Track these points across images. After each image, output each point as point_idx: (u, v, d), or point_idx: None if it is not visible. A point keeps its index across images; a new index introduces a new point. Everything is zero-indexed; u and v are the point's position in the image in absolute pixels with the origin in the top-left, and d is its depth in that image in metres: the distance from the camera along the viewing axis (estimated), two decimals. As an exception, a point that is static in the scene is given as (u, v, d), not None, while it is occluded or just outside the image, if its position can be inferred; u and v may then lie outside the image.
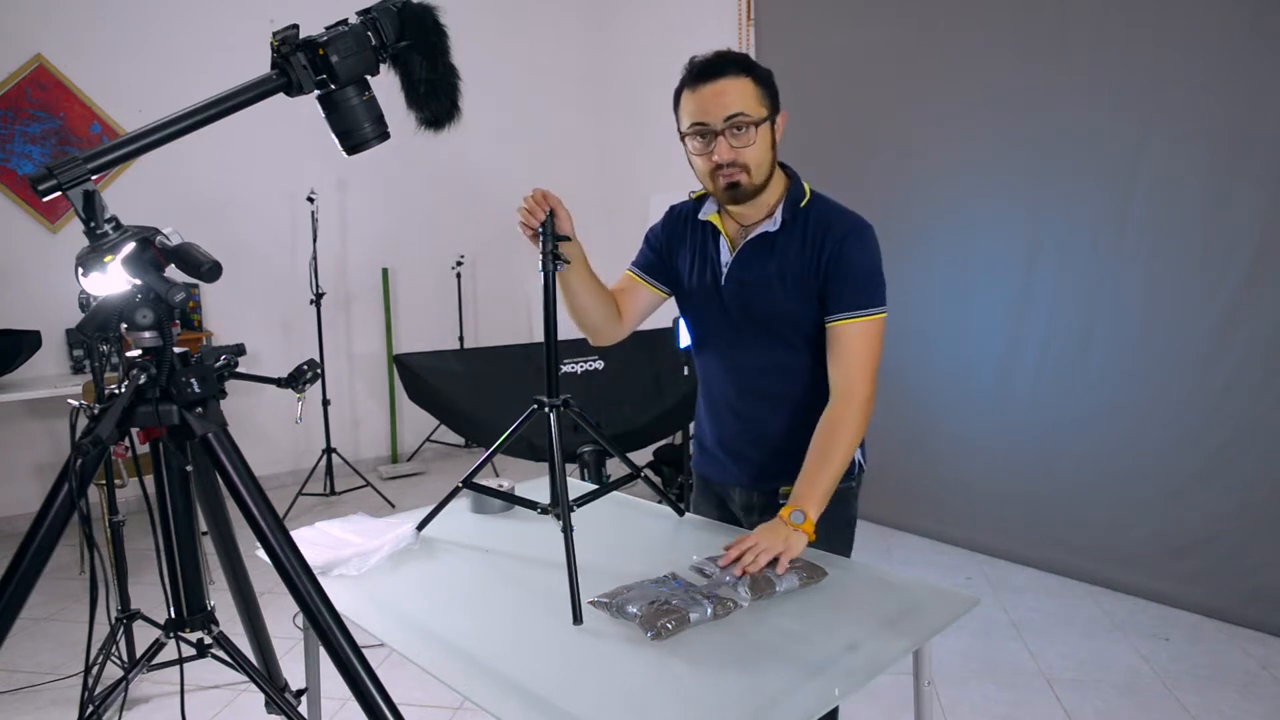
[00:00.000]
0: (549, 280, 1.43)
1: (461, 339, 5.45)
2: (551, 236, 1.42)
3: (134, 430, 1.16)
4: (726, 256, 1.59)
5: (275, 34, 1.11)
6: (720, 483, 1.75)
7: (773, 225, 1.54)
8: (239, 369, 1.27)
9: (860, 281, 1.50)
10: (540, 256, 1.42)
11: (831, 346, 1.53)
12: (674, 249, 1.69)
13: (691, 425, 4.52)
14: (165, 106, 1.12)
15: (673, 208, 1.73)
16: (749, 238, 1.57)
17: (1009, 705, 2.53)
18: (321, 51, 1.10)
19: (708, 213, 1.63)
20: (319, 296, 4.48)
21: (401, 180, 5.15)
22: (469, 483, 1.65)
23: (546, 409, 1.47)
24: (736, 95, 1.44)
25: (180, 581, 1.32)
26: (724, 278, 1.59)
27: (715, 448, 1.73)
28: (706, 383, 1.73)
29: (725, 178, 1.48)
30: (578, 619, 1.28)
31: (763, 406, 1.63)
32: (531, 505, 1.47)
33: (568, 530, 1.33)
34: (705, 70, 1.45)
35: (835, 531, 1.61)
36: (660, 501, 1.77)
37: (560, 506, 1.36)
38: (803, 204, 1.55)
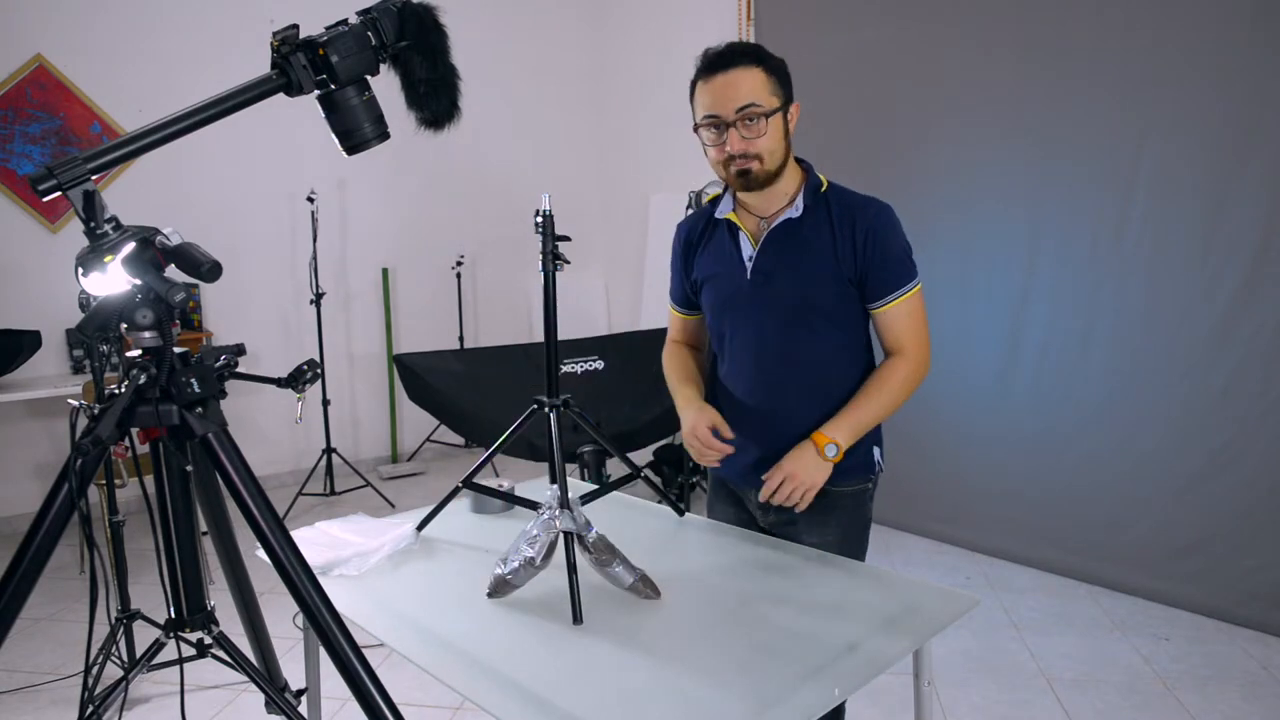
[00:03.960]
0: (549, 280, 1.42)
1: (461, 339, 5.45)
2: (552, 236, 1.41)
3: (134, 430, 1.16)
4: (749, 250, 1.60)
5: (275, 34, 1.11)
6: (739, 484, 1.73)
7: (795, 212, 1.55)
8: (239, 369, 1.27)
9: (898, 262, 1.55)
10: (540, 256, 1.42)
11: (883, 330, 1.59)
12: (691, 262, 1.71)
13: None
14: (165, 106, 1.12)
15: (681, 224, 1.75)
16: (772, 226, 1.57)
17: (1009, 705, 2.53)
18: (321, 51, 1.10)
19: (724, 211, 1.63)
20: (319, 296, 4.47)
21: (401, 180, 5.15)
22: (469, 483, 1.65)
23: (546, 409, 1.47)
24: (748, 86, 1.46)
25: (180, 581, 1.32)
26: (749, 271, 1.59)
27: (737, 451, 1.68)
28: (728, 382, 1.69)
29: (737, 166, 1.50)
30: (578, 619, 1.28)
31: (788, 399, 1.61)
32: (531, 505, 1.47)
33: (570, 533, 1.33)
34: (716, 61, 1.47)
35: (853, 533, 1.61)
36: (660, 501, 1.77)
37: (560, 508, 1.36)
38: (822, 190, 1.57)
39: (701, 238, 1.69)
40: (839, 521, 1.60)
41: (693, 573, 1.48)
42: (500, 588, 1.37)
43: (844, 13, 4.07)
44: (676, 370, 1.76)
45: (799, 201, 1.55)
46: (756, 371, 1.63)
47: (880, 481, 1.69)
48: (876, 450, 1.65)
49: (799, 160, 1.61)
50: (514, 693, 1.11)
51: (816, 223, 1.55)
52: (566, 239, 1.44)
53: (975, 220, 3.65)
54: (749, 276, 1.59)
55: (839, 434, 1.52)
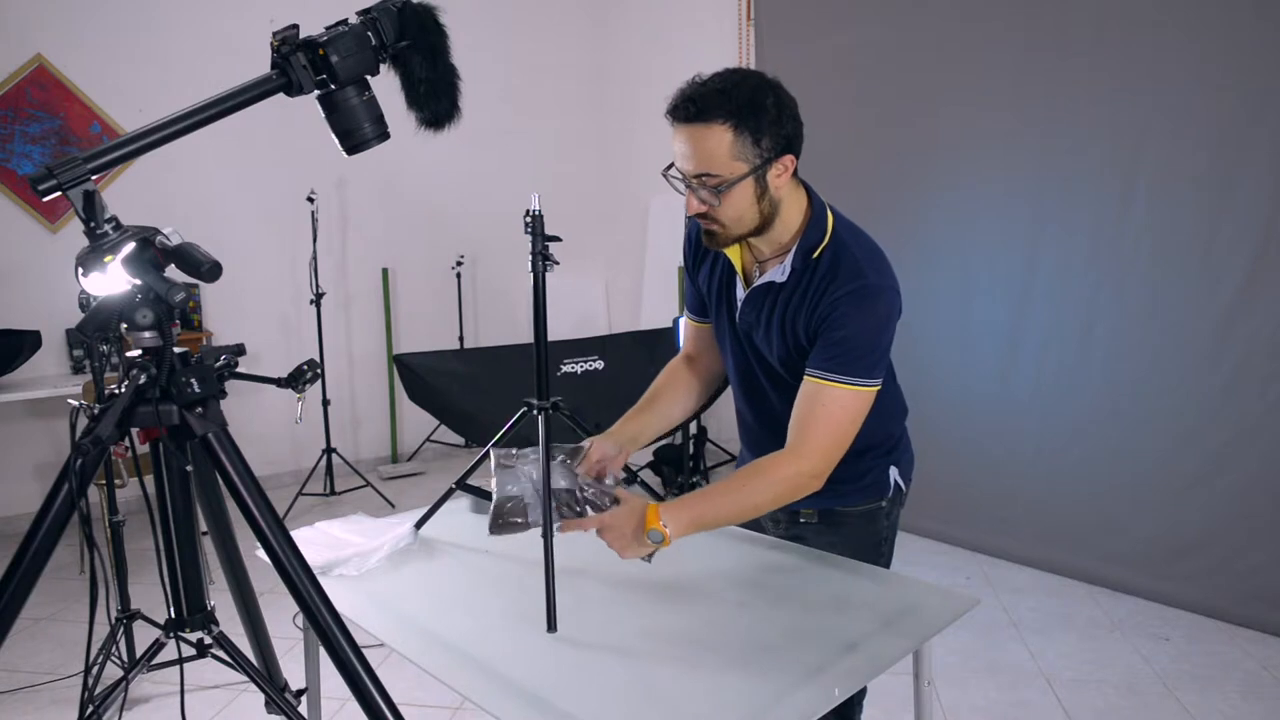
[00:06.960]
0: (538, 280, 1.41)
1: (461, 339, 5.45)
2: (541, 236, 1.40)
3: (134, 430, 1.16)
4: (740, 292, 1.48)
5: (275, 34, 1.11)
6: None
7: (781, 275, 1.40)
8: (239, 369, 1.27)
9: (841, 346, 1.32)
10: (530, 257, 1.40)
11: (796, 402, 1.37)
12: (699, 271, 1.59)
13: (693, 425, 4.54)
14: (165, 106, 1.12)
15: (690, 226, 1.59)
16: (757, 283, 1.44)
17: (1009, 705, 2.53)
18: (321, 51, 1.10)
19: None
20: (319, 296, 4.47)
21: (401, 180, 5.15)
22: (463, 484, 1.65)
23: (535, 412, 1.46)
24: (704, 152, 1.28)
25: (180, 581, 1.32)
26: (738, 315, 1.50)
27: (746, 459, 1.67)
28: (733, 394, 1.66)
29: (702, 224, 1.39)
30: (551, 626, 1.28)
31: (778, 440, 1.46)
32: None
33: (548, 536, 1.31)
34: (684, 107, 1.29)
35: (863, 551, 1.56)
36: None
37: (544, 512, 1.33)
38: (816, 253, 1.38)
39: (705, 252, 1.56)
40: (848, 538, 1.56)
41: (692, 573, 1.48)
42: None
43: (844, 12, 4.07)
44: (650, 390, 1.66)
45: (787, 263, 1.39)
46: (748, 407, 1.60)
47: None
48: (894, 470, 1.58)
49: (809, 192, 1.44)
50: (514, 693, 1.11)
51: (796, 289, 1.39)
52: (557, 239, 1.43)
53: (976, 220, 3.65)
54: (737, 321, 1.50)
55: (674, 521, 1.28)
